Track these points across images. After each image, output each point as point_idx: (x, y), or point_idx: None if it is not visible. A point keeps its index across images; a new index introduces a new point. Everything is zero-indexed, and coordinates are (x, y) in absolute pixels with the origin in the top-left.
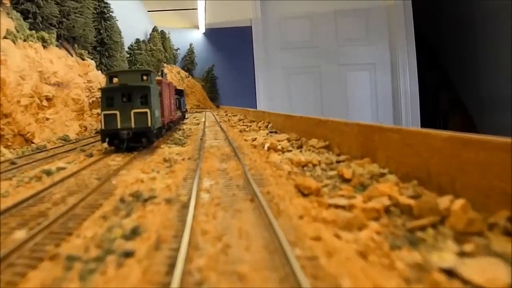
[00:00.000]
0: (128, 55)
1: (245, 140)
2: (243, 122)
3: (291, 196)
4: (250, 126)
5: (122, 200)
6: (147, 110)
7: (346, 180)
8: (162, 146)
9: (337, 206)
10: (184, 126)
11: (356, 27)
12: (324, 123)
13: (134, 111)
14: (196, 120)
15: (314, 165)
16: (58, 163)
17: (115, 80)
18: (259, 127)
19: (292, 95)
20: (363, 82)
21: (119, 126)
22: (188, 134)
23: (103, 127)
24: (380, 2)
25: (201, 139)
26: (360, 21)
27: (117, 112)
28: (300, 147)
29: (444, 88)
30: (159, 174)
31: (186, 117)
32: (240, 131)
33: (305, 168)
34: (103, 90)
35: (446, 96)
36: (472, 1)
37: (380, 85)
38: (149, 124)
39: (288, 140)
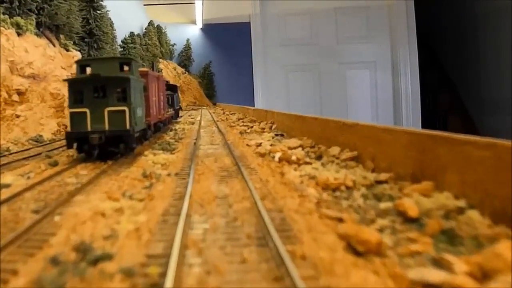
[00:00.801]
0: (122, 49)
1: (248, 145)
2: (243, 121)
3: (340, 259)
4: (252, 127)
5: (54, 261)
6: (126, 108)
7: (410, 220)
8: (146, 152)
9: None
10: (177, 126)
11: (356, 24)
12: (351, 128)
13: (108, 109)
14: (191, 118)
15: (349, 188)
16: (6, 176)
17: (89, 70)
18: (262, 128)
19: (290, 93)
20: (363, 80)
21: (89, 128)
22: (181, 136)
23: (69, 129)
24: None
25: (194, 143)
26: (360, 19)
27: (87, 111)
28: (319, 157)
29: (444, 88)
30: (131, 201)
31: (180, 115)
32: (241, 133)
33: (337, 193)
34: (70, 82)
35: (446, 96)
36: (474, 0)
37: (381, 84)
38: (128, 126)
39: (302, 147)
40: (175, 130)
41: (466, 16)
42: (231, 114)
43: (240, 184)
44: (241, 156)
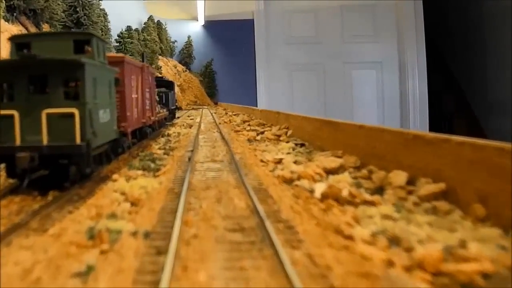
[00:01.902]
0: (118, 44)
1: (263, 161)
2: (249, 125)
3: None
4: (262, 132)
5: None
6: (76, 110)
7: None
8: (116, 174)
9: None
10: (172, 130)
11: (363, 23)
12: (431, 145)
13: (48, 111)
14: (190, 119)
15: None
16: None
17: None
18: (277, 135)
19: (294, 93)
20: (369, 81)
21: (17, 142)
22: (173, 145)
23: None
24: None
25: (189, 158)
26: (367, 17)
27: (15, 113)
28: (379, 190)
29: (449, 90)
30: None
31: (178, 115)
32: (249, 140)
33: None
34: None
35: (451, 98)
36: (480, 2)
37: (387, 85)
38: (79, 140)
39: (343, 168)
40: (168, 135)
41: (472, 17)
42: (234, 115)
43: (272, 274)
44: (259, 189)
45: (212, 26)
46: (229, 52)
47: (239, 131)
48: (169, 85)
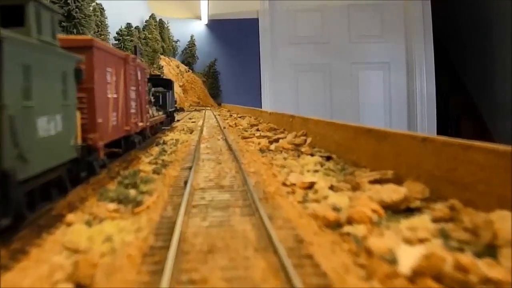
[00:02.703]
0: (116, 42)
1: (286, 187)
2: (258, 129)
3: None
4: (276, 140)
5: None
6: None
7: None
8: (75, 212)
9: None
10: (170, 136)
11: (370, 22)
12: None
13: None
14: (192, 122)
15: None
16: None
17: None
18: (294, 144)
19: (299, 94)
20: (376, 82)
21: None
22: (168, 158)
23: None
24: None
25: (185, 182)
26: (374, 17)
27: None
28: (487, 249)
29: (456, 91)
30: None
31: (178, 118)
32: (261, 150)
33: None
34: None
35: (458, 100)
36: (488, 2)
37: (395, 86)
38: None
39: (407, 200)
40: (164, 143)
41: (479, 18)
42: (240, 117)
43: None
44: (295, 247)
45: (216, 25)
46: (233, 52)
47: (247, 137)
48: (168, 84)
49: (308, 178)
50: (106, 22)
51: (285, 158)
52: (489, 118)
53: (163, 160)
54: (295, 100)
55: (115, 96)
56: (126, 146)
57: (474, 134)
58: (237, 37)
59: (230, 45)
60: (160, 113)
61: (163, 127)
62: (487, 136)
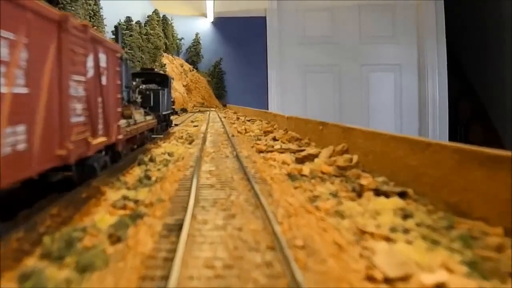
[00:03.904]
0: (114, 36)
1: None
2: (275, 139)
3: None
4: (308, 158)
5: None
6: None
7: None
8: None
9: None
10: (162, 148)
11: (381, 23)
12: None
13: None
14: (194, 126)
15: None
16: None
17: None
18: (339, 168)
19: (308, 96)
20: (387, 84)
21: None
22: (148, 196)
23: None
24: None
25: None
26: (386, 17)
27: None
28: None
29: (465, 96)
30: None
31: (177, 121)
32: (291, 177)
33: None
34: None
35: (467, 104)
36: (498, 5)
37: (406, 89)
38: None
39: None
40: (151, 161)
41: (489, 20)
42: (248, 121)
43: None
44: None
45: (222, 23)
46: (240, 51)
47: (264, 151)
48: (163, 80)
49: (416, 262)
50: (101, 13)
51: (334, 195)
52: (499, 123)
53: (137, 203)
54: (303, 102)
55: (21, 91)
56: (84, 171)
57: (483, 139)
58: (243, 35)
59: (236, 44)
60: (149, 117)
61: (154, 135)
62: (496, 140)
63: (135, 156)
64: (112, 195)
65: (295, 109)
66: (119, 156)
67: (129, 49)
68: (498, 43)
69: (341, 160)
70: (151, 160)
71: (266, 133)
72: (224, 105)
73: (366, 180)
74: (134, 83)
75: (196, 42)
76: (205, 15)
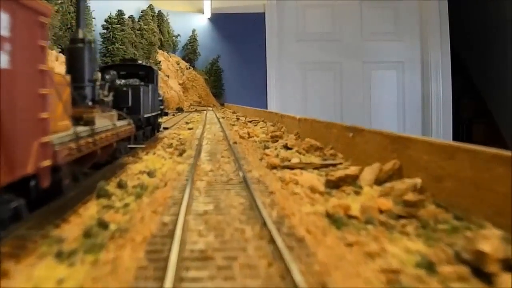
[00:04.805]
0: (105, 30)
1: None
2: (288, 147)
3: None
4: (344, 180)
5: None
6: None
7: None
8: None
9: None
10: (141, 162)
11: (383, 20)
12: None
13: None
14: (188, 129)
15: None
16: None
17: None
18: (407, 203)
19: (308, 95)
20: (389, 82)
21: None
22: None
23: None
24: None
25: None
26: (388, 14)
27: None
28: None
29: (468, 94)
30: None
31: (166, 125)
32: (335, 222)
33: None
34: None
35: (470, 103)
36: (502, 4)
37: (409, 87)
38: None
39: None
40: (115, 191)
41: (492, 19)
42: (250, 122)
43: None
44: None
45: (219, 20)
46: (238, 48)
47: (278, 166)
48: (147, 74)
49: None
50: (88, 5)
51: (429, 268)
52: (502, 122)
53: None
54: (303, 100)
55: None
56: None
57: (486, 138)
58: (242, 32)
59: (234, 41)
60: (122, 122)
61: (131, 145)
62: (499, 140)
63: (97, 181)
64: (22, 278)
65: (295, 108)
66: (59, 189)
67: (120, 45)
68: (501, 42)
69: (403, 188)
70: (120, 185)
71: (274, 138)
72: (222, 104)
73: (486, 242)
74: (108, 76)
75: (193, 39)
76: (202, 11)
